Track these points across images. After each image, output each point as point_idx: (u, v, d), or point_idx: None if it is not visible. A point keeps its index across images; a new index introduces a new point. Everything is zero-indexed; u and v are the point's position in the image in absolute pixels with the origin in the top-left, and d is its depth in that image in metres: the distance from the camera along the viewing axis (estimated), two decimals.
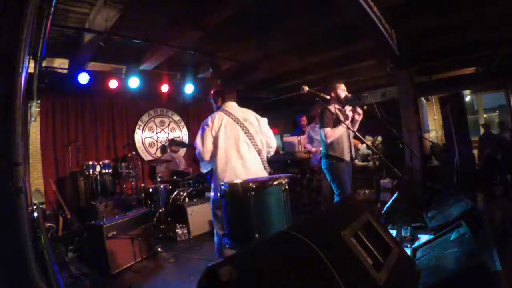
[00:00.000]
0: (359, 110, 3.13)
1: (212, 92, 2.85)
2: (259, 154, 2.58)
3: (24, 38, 1.53)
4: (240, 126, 2.53)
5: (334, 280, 1.16)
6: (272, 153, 2.81)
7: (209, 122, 2.53)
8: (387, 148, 6.56)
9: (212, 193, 2.62)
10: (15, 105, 1.52)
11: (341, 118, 3.08)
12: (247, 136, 2.53)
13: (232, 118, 2.54)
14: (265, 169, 2.60)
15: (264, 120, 2.75)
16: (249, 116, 2.65)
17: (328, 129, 3.04)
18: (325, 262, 1.18)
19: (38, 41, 3.05)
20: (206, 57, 5.67)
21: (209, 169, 2.71)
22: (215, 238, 2.58)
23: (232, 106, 2.66)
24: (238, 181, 2.21)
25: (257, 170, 2.53)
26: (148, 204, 5.03)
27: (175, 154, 6.34)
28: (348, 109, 3.14)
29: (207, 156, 2.53)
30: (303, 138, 5.46)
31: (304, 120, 6.04)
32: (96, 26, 4.03)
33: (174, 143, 5.08)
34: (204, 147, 2.51)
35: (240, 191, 2.03)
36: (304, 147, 5.30)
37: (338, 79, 3.35)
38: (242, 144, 2.51)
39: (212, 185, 2.61)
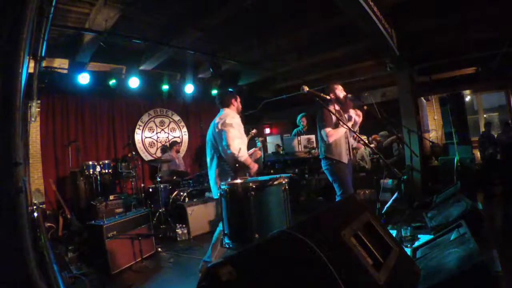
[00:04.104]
0: (359, 112, 3.13)
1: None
2: None
3: (24, 38, 1.53)
4: None
5: (334, 280, 1.16)
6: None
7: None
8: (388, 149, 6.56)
9: None
10: (15, 105, 1.52)
11: (341, 118, 3.07)
12: None
13: None
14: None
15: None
16: None
17: (329, 129, 3.03)
18: (325, 262, 1.18)
19: (38, 41, 3.05)
20: (206, 57, 5.68)
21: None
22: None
23: None
24: (238, 181, 2.22)
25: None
26: (148, 204, 5.03)
27: (176, 154, 6.36)
28: (352, 111, 3.12)
29: None
30: (303, 138, 5.46)
31: (304, 120, 6.04)
32: (96, 26, 4.04)
33: None
34: None
35: (240, 191, 2.04)
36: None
37: (336, 81, 3.35)
38: None
39: None
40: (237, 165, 2.73)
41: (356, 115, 3.12)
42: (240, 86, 7.75)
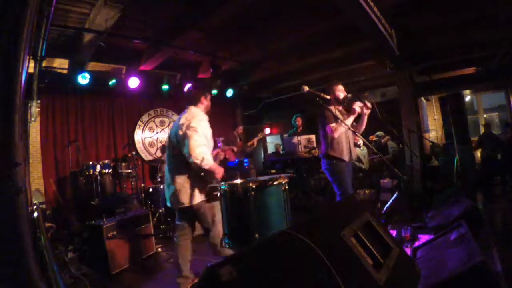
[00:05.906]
0: (369, 104, 3.01)
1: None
2: None
3: (24, 38, 1.53)
4: None
5: (334, 280, 1.16)
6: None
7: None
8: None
9: None
10: (15, 105, 1.52)
11: (341, 118, 3.07)
12: None
13: None
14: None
15: None
16: None
17: (333, 124, 3.02)
18: (325, 262, 1.18)
19: (38, 41, 3.05)
20: (206, 57, 5.68)
21: None
22: None
23: None
24: (238, 181, 2.22)
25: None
26: (148, 204, 5.03)
27: None
28: (357, 104, 3.03)
29: None
30: (303, 138, 5.46)
31: (299, 120, 6.04)
32: (96, 26, 4.04)
33: None
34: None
35: (240, 191, 2.03)
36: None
37: (336, 81, 3.32)
38: None
39: None
40: (202, 173, 2.47)
41: (365, 108, 3.01)
42: (240, 86, 7.75)
